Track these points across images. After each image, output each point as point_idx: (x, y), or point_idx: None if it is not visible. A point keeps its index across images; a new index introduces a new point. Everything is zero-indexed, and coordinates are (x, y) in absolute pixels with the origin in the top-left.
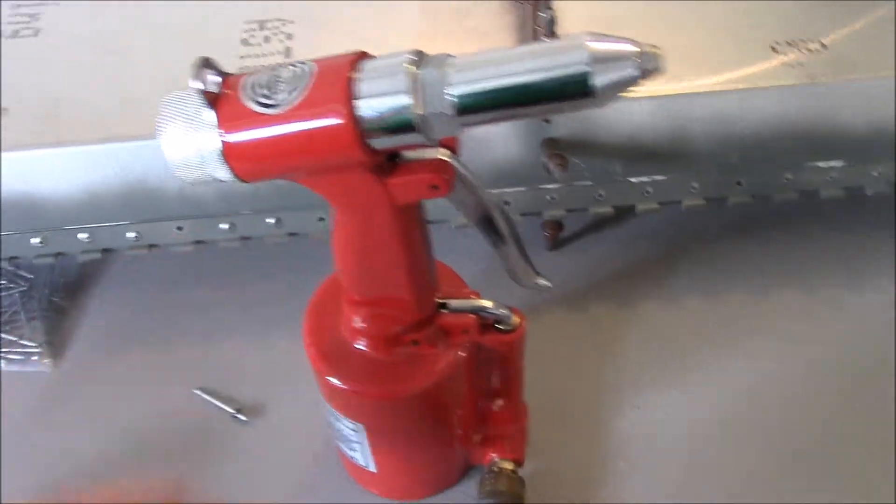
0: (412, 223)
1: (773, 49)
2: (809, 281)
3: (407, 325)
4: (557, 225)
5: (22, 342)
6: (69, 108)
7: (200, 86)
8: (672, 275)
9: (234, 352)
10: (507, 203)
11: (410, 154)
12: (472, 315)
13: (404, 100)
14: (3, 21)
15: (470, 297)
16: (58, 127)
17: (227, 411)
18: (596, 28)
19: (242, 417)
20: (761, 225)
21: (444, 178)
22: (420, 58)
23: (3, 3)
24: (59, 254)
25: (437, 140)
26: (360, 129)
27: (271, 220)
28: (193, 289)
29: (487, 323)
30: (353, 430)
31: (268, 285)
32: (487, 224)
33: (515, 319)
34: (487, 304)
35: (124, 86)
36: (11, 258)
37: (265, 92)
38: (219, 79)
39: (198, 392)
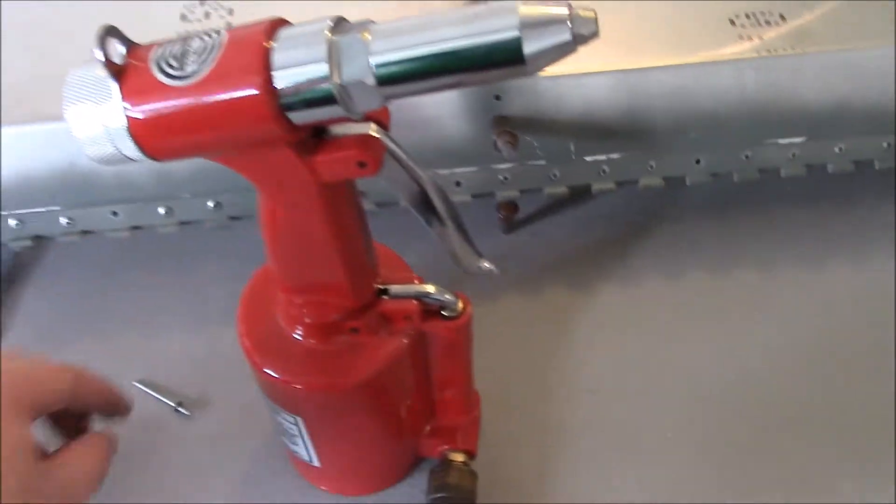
0: (343, 203)
1: (732, 22)
2: (770, 260)
3: (345, 313)
4: (512, 206)
5: None
6: None
7: (103, 56)
8: (630, 256)
9: (177, 341)
10: (458, 184)
11: (337, 130)
12: (414, 301)
13: (322, 69)
14: None
15: (412, 283)
16: None
17: (168, 405)
18: None
19: (185, 412)
20: (721, 204)
21: (372, 154)
22: (339, 24)
23: None
24: None
25: (361, 113)
26: (277, 102)
27: (211, 204)
28: (132, 276)
29: (431, 309)
30: (293, 424)
31: (210, 271)
32: (423, 204)
33: (460, 305)
34: (430, 289)
35: (54, 64)
36: None
37: (174, 63)
38: (124, 49)
39: (137, 385)
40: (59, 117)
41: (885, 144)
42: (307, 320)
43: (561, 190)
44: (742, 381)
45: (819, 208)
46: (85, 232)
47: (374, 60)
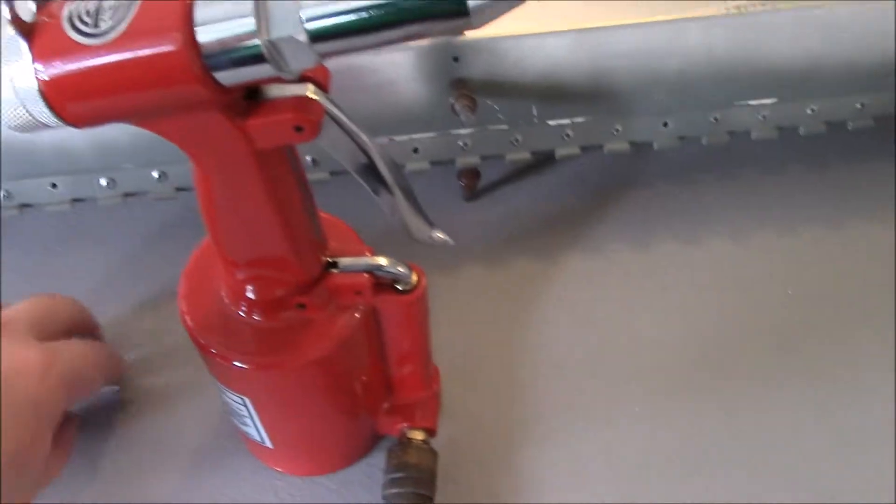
0: (282, 171)
1: None
2: (740, 227)
3: (291, 288)
4: (474, 174)
5: None
6: None
7: (10, 13)
8: (596, 224)
9: (122, 319)
10: (415, 150)
11: (272, 92)
12: (365, 275)
13: (248, 23)
14: None
15: (364, 255)
16: None
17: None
18: None
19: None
20: (690, 170)
21: (310, 117)
22: None
23: None
24: None
25: (294, 73)
26: (200, 60)
27: (155, 174)
28: (75, 252)
29: (384, 283)
30: (241, 405)
31: (157, 245)
32: (369, 171)
33: (414, 278)
34: (382, 261)
35: None
36: None
37: (88, 19)
38: (33, 5)
39: None
40: None
41: (858, 105)
42: (251, 296)
43: (523, 156)
44: (712, 351)
45: (790, 172)
46: (23, 206)
47: (306, 14)
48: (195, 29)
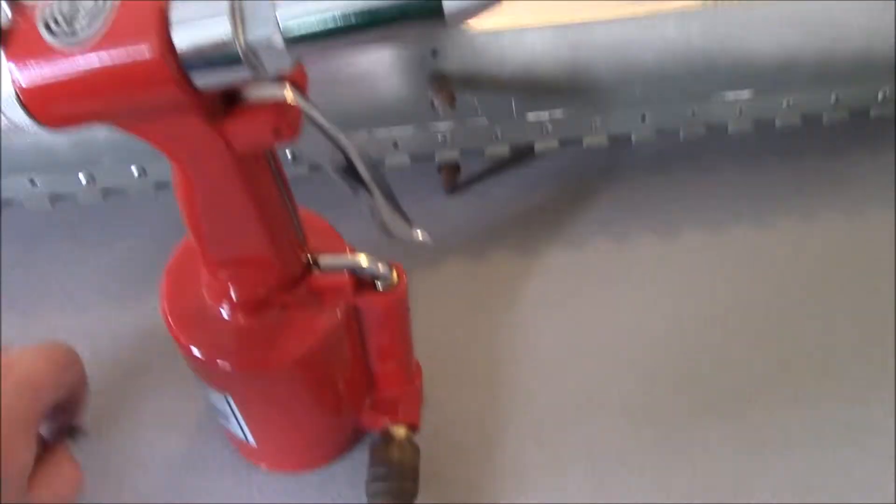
0: (261, 171)
1: None
2: (717, 220)
3: (272, 287)
4: (454, 167)
5: None
6: None
7: None
8: (576, 217)
9: (102, 317)
10: (395, 145)
11: (251, 94)
12: (346, 273)
13: (223, 26)
14: None
15: (344, 253)
16: None
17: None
18: None
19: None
20: (670, 163)
21: (288, 120)
22: None
23: None
24: None
25: (271, 76)
26: (176, 63)
27: (135, 171)
28: (54, 249)
29: (365, 281)
30: (224, 403)
31: (136, 243)
32: (347, 171)
33: (395, 276)
34: (363, 260)
35: None
36: None
37: (63, 23)
38: (9, 12)
39: None
40: None
41: (833, 98)
42: (233, 296)
43: (503, 150)
44: (692, 344)
45: (766, 165)
46: (1, 203)
47: (282, 16)
48: (171, 33)
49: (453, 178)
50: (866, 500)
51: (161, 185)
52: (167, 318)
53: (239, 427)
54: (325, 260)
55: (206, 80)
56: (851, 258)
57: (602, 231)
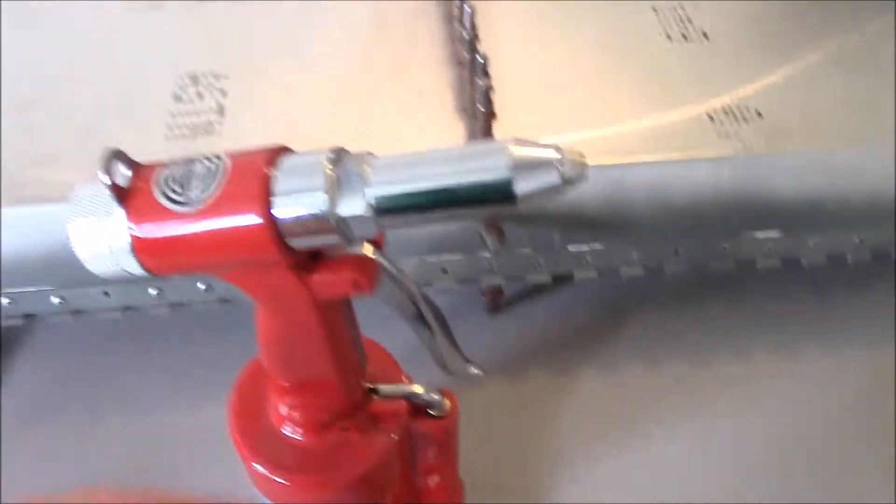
0: (337, 316)
1: (710, 118)
2: (746, 350)
3: (335, 412)
4: (497, 289)
5: None
6: None
7: (108, 180)
8: (611, 341)
9: (165, 422)
10: (444, 271)
11: (335, 250)
12: (403, 401)
13: (321, 200)
14: None
15: (401, 381)
16: None
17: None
18: (532, 97)
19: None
20: (701, 293)
21: (368, 275)
22: (339, 156)
23: None
24: None
25: (358, 241)
26: (277, 230)
27: (202, 286)
28: (122, 356)
29: (419, 406)
30: None
31: (200, 353)
32: (415, 317)
33: (447, 403)
34: (418, 389)
35: (44, 143)
36: None
37: (177, 188)
38: (129, 172)
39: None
40: (52, 199)
41: (856, 239)
42: (297, 418)
43: (544, 278)
44: (720, 473)
45: (794, 300)
46: (76, 311)
47: (372, 194)
48: (274, 203)
49: (496, 300)
50: None
51: (225, 301)
52: (234, 436)
53: None
54: (385, 388)
55: (301, 244)
56: (876, 390)
57: (635, 356)
